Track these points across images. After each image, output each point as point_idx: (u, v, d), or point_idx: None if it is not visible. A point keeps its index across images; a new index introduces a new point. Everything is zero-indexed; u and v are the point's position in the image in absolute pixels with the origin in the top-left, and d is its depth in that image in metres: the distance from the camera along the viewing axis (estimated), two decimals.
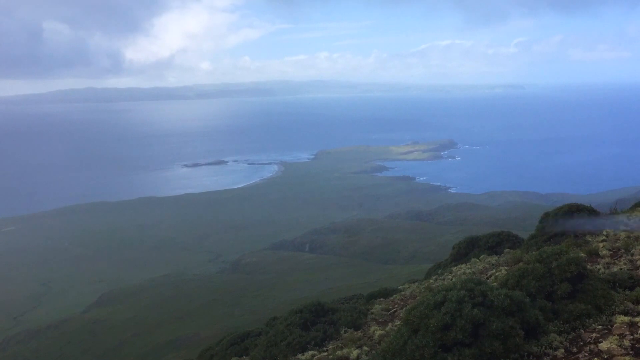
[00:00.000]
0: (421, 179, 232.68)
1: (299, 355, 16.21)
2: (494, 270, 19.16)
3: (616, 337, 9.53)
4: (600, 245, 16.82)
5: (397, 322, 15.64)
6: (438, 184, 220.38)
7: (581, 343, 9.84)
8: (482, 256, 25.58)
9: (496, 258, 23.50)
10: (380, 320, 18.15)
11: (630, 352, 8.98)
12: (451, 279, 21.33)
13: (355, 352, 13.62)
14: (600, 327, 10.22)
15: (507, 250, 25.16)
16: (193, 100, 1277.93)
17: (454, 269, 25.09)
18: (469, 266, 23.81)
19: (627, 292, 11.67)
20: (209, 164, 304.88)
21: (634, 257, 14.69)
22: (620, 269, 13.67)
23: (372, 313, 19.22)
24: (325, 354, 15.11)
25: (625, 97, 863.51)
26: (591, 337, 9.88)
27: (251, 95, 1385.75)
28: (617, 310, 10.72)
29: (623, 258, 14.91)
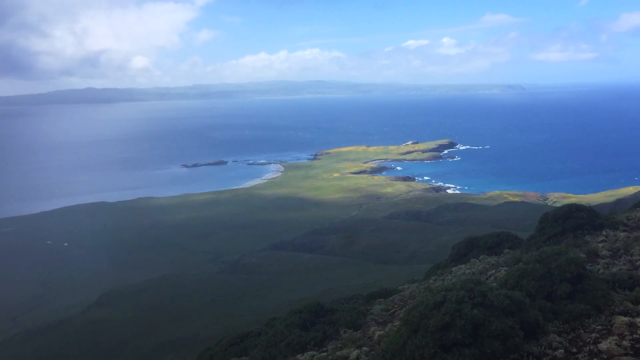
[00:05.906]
0: (421, 179, 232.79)
1: (299, 356, 16.19)
2: (493, 271, 19.14)
3: (616, 337, 9.53)
4: (600, 245, 16.83)
5: (397, 323, 15.62)
6: (438, 184, 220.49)
7: (581, 343, 9.83)
8: (481, 257, 25.56)
9: (496, 258, 23.46)
10: (379, 320, 18.14)
11: (630, 352, 8.98)
12: (451, 280, 21.34)
13: (354, 353, 13.60)
14: (599, 327, 10.22)
15: (506, 250, 25.13)
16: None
17: (453, 269, 25.08)
18: (469, 266, 23.79)
19: (627, 293, 11.68)
20: (209, 164, 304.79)
21: (633, 258, 14.70)
22: (620, 269, 13.69)
23: (371, 313, 19.22)
24: (325, 354, 15.10)
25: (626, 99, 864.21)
26: (591, 338, 9.88)
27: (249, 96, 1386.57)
28: (616, 310, 10.72)
29: (622, 258, 14.93)
